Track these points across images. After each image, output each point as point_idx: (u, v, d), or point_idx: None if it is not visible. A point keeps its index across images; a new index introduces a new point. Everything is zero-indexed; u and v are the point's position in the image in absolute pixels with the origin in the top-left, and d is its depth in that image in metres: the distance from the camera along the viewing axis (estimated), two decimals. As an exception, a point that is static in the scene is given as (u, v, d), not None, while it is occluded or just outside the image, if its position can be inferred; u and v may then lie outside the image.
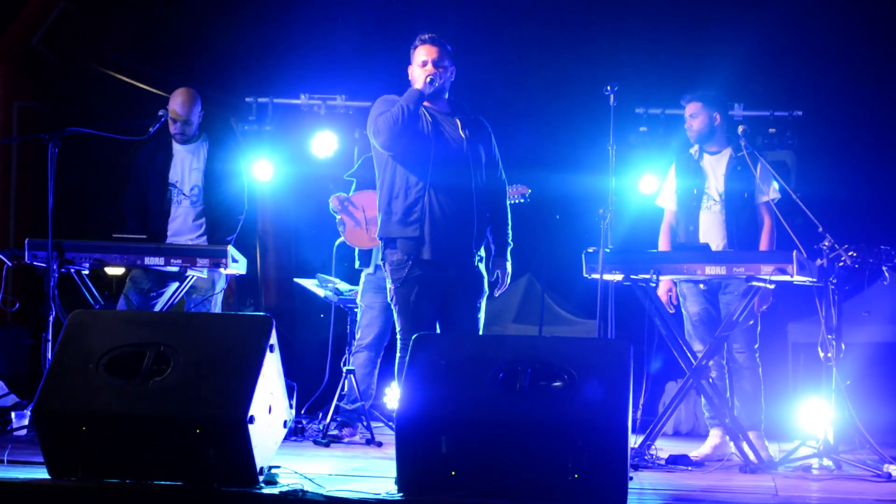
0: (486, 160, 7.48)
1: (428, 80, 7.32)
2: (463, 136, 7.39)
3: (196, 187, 8.76)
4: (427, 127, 7.34)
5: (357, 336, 8.92)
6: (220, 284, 8.70)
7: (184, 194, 8.75)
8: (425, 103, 7.38)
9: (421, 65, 7.38)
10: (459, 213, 7.31)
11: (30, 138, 9.29)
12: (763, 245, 8.12)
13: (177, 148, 8.81)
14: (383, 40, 11.35)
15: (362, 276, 9.04)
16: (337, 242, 9.15)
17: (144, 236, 8.32)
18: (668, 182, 8.46)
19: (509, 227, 7.54)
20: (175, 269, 8.08)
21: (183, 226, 8.75)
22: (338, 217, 8.93)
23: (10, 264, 8.16)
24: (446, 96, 7.49)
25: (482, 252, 7.45)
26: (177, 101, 8.73)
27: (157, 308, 8.48)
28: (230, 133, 10.80)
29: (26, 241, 8.05)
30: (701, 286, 8.08)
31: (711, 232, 8.13)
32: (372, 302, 8.91)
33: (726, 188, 8.13)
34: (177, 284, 8.42)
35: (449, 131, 7.40)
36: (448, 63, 7.41)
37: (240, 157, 9.06)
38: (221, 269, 8.11)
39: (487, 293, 7.45)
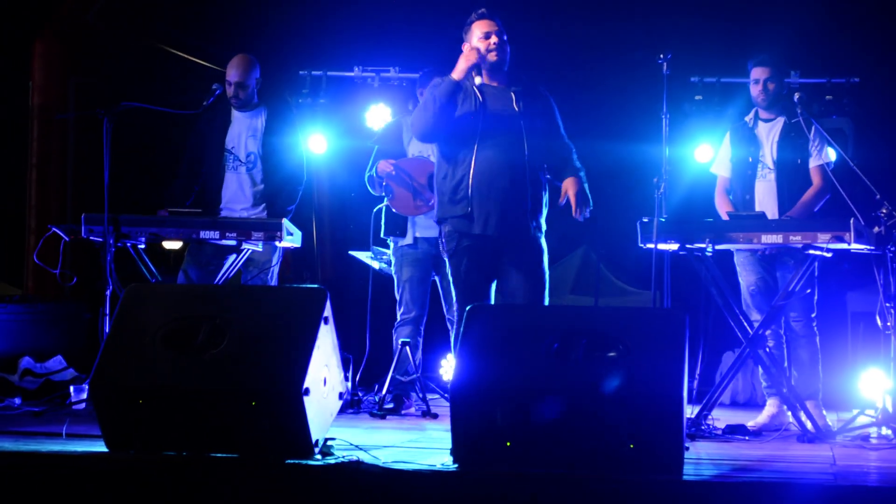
0: (544, 130, 7.46)
1: (491, 48, 7.32)
2: (517, 108, 7.38)
3: (252, 154, 8.76)
4: (474, 105, 7.34)
5: (400, 311, 8.89)
6: (277, 257, 8.70)
7: (239, 160, 8.75)
8: (483, 79, 7.38)
9: (483, 37, 7.39)
10: (511, 188, 7.30)
11: (85, 114, 9.32)
12: (802, 200, 8.00)
13: (235, 115, 8.82)
14: (436, 10, 11.30)
15: (391, 246, 9.02)
16: (376, 209, 9.10)
17: (200, 210, 8.35)
18: (723, 149, 8.41)
19: (582, 172, 7.49)
20: (231, 242, 8.11)
21: (238, 193, 8.75)
22: (384, 182, 8.87)
23: (66, 239, 8.20)
24: (505, 69, 7.48)
25: (542, 222, 7.43)
26: (233, 65, 8.75)
27: (216, 281, 8.52)
28: (290, 104, 10.78)
29: (83, 216, 8.10)
30: (757, 254, 8.03)
31: (767, 200, 8.07)
32: (411, 275, 8.86)
33: (779, 155, 8.07)
34: (234, 257, 8.44)
35: (502, 106, 7.39)
36: (506, 36, 7.41)
37: (298, 128, 9.06)
38: (277, 242, 8.12)
39: (547, 264, 7.44)
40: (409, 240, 8.88)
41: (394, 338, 8.89)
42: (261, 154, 8.77)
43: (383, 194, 8.88)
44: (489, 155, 7.31)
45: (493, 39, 7.38)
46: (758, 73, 8.18)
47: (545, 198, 7.46)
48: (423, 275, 8.87)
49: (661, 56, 7.71)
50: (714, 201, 8.39)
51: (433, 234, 8.71)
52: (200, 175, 8.80)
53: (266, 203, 8.77)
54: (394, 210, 8.86)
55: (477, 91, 7.37)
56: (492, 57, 7.38)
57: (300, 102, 11.32)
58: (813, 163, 8.08)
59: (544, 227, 7.45)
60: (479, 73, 7.38)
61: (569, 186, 7.40)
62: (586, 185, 7.43)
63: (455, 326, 7.40)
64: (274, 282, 8.68)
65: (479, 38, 7.40)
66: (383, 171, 8.82)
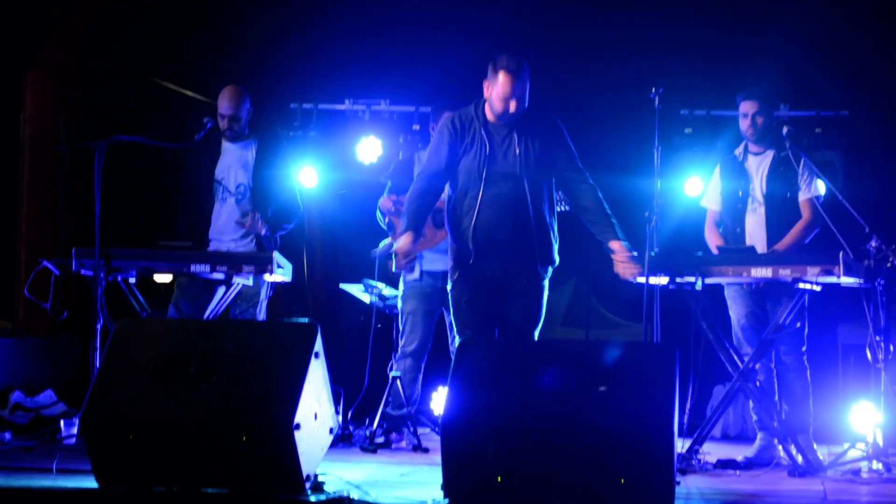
0: (549, 162, 7.35)
1: (511, 110, 7.26)
2: (518, 152, 7.29)
3: (242, 185, 8.72)
4: (480, 154, 7.29)
5: (401, 343, 8.92)
6: (265, 291, 8.67)
7: (229, 191, 8.71)
8: (490, 117, 7.34)
9: (503, 99, 7.21)
10: (514, 238, 7.27)
11: (76, 147, 9.34)
12: (791, 234, 8.02)
13: (226, 146, 8.79)
14: (427, 44, 11.34)
15: (401, 281, 9.03)
16: (381, 244, 9.11)
17: (190, 243, 8.33)
18: (712, 183, 8.42)
19: (604, 211, 7.42)
20: (221, 276, 8.11)
21: (227, 224, 8.70)
22: (386, 219, 8.91)
23: (57, 273, 8.19)
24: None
25: (555, 257, 7.39)
26: (224, 98, 8.72)
27: (206, 314, 8.50)
28: (280, 135, 10.76)
29: (73, 250, 8.09)
30: (745, 288, 8.03)
31: (757, 234, 8.08)
32: (415, 308, 8.91)
33: (768, 189, 8.08)
34: (223, 290, 8.42)
35: (504, 152, 7.30)
36: (526, 93, 7.30)
37: (289, 159, 9.03)
38: (266, 275, 8.11)
39: (545, 302, 7.43)
40: (415, 274, 8.92)
41: (393, 369, 8.89)
42: (251, 185, 8.74)
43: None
44: (491, 205, 7.25)
45: (513, 105, 7.23)
46: (746, 106, 8.19)
47: (553, 233, 7.42)
48: (428, 308, 8.90)
49: (653, 90, 7.72)
50: (704, 234, 8.40)
51: (439, 267, 8.75)
52: (192, 205, 8.80)
53: (255, 234, 8.74)
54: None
55: (485, 136, 7.31)
56: (504, 118, 7.28)
57: (291, 136, 11.34)
58: (802, 196, 8.10)
59: (557, 261, 7.44)
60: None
61: (616, 247, 7.40)
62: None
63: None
64: (262, 316, 8.65)
65: (499, 96, 7.22)
66: (384, 206, 8.87)
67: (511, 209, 7.27)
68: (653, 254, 7.52)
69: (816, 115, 10.73)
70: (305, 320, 8.41)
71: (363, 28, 11.76)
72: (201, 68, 11.89)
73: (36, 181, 11.19)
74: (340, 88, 11.49)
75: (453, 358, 6.20)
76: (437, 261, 8.78)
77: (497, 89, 7.24)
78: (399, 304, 9.04)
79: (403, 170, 9.15)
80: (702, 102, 10.87)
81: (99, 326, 7.89)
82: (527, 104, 7.32)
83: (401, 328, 8.96)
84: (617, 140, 11.03)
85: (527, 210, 7.27)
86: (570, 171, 7.46)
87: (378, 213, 9.05)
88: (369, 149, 11.16)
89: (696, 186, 10.37)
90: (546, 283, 7.41)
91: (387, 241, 9.02)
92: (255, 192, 8.72)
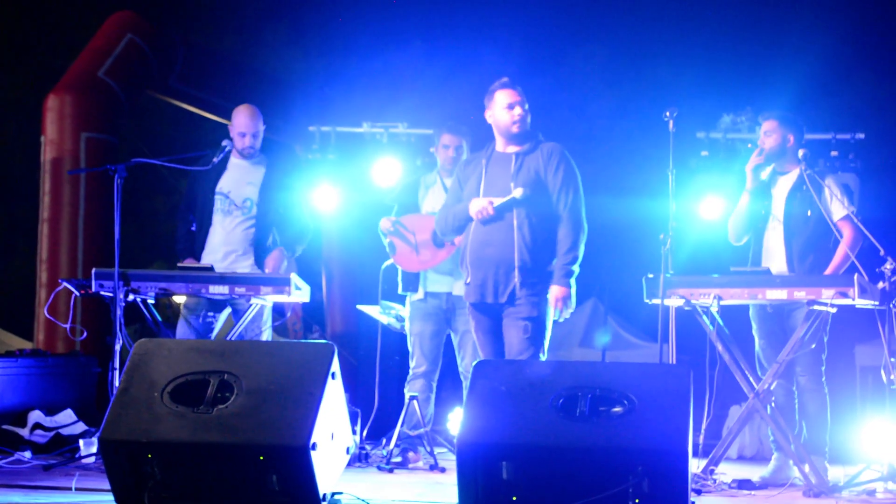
0: (535, 196, 7.55)
1: (516, 120, 7.59)
2: (511, 171, 7.58)
3: (249, 200, 8.70)
4: (477, 181, 7.69)
5: (412, 364, 8.92)
6: (269, 314, 8.64)
7: (235, 205, 8.70)
8: (498, 146, 7.71)
9: (508, 107, 7.59)
10: (498, 257, 7.53)
11: (96, 170, 9.41)
12: (838, 255, 7.96)
13: (234, 162, 8.76)
14: (445, 67, 11.40)
15: (407, 302, 9.04)
16: (384, 266, 9.14)
17: (210, 265, 8.36)
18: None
19: (566, 251, 7.53)
20: (239, 298, 8.18)
21: (231, 236, 8.72)
22: (387, 239, 8.92)
23: (77, 293, 8.26)
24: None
25: (544, 277, 7.51)
26: (243, 115, 8.71)
27: (215, 332, 8.54)
28: (291, 155, 10.74)
29: (93, 272, 8.17)
30: (768, 309, 8.01)
31: (775, 253, 8.05)
32: (422, 329, 8.88)
33: (786, 208, 8.02)
34: (230, 309, 8.51)
35: (500, 175, 7.62)
36: (528, 105, 7.65)
37: (301, 180, 9.02)
38: (284, 297, 8.15)
39: (530, 325, 7.51)
40: (419, 295, 8.90)
41: (406, 391, 8.91)
42: (257, 202, 8.74)
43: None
44: (482, 226, 7.57)
45: (518, 112, 7.60)
46: (762, 126, 8.19)
47: (543, 257, 7.56)
48: (435, 329, 8.89)
49: (668, 114, 7.76)
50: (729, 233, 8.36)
51: (443, 289, 8.78)
52: (193, 217, 8.79)
53: (257, 251, 8.73)
54: (398, 266, 8.91)
55: (484, 163, 7.67)
56: (514, 129, 7.61)
57: (310, 158, 11.39)
58: (837, 215, 7.95)
59: (533, 288, 7.54)
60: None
61: (552, 295, 7.53)
62: (572, 289, 7.55)
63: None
64: (268, 337, 8.63)
65: (502, 107, 7.60)
66: (384, 227, 8.88)
67: (498, 231, 7.55)
68: (668, 275, 7.56)
69: (832, 137, 10.73)
70: (323, 341, 8.46)
71: (382, 51, 11.83)
72: (220, 91, 11.96)
73: (56, 204, 11.23)
74: (358, 111, 11.53)
75: (469, 378, 6.25)
76: (440, 282, 8.81)
77: (499, 102, 7.64)
78: (407, 326, 9.05)
79: (408, 191, 9.20)
80: (718, 125, 10.88)
81: (118, 347, 7.94)
82: (529, 121, 7.68)
83: (410, 350, 8.96)
84: (635, 162, 11.06)
85: (511, 233, 7.51)
86: (548, 209, 7.64)
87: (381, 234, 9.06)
88: (385, 171, 11.16)
89: (710, 208, 10.38)
90: (545, 297, 7.53)
91: (388, 262, 9.06)
92: (262, 206, 8.72)
